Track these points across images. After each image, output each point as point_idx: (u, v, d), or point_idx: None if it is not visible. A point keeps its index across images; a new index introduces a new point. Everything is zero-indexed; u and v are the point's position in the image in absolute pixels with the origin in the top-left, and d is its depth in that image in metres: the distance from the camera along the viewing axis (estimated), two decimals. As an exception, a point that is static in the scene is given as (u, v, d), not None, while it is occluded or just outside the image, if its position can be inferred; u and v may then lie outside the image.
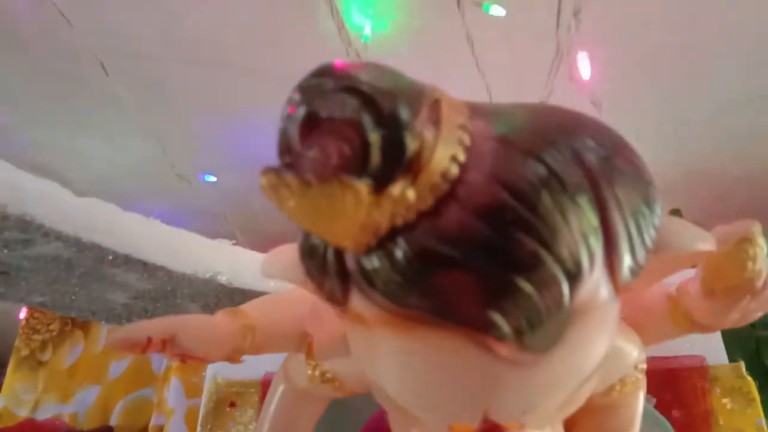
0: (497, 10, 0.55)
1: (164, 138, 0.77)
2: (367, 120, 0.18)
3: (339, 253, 0.21)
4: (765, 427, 0.56)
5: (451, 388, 0.23)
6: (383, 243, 0.19)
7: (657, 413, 0.54)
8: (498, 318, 0.19)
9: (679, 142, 0.78)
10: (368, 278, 0.20)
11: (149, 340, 0.33)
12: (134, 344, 0.32)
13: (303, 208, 0.18)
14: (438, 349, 0.21)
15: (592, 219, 0.20)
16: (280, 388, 0.43)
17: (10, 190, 0.37)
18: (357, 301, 0.22)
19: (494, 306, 0.19)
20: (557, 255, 0.19)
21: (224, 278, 0.46)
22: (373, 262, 0.20)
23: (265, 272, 0.27)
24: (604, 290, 0.21)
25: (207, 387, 0.68)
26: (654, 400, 0.57)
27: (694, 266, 0.31)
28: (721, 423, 0.56)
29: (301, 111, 0.19)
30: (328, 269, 0.22)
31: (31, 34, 0.64)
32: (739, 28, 0.69)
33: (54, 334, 1.06)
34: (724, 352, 0.61)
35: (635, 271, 0.22)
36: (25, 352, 1.04)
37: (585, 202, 0.20)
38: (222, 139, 0.82)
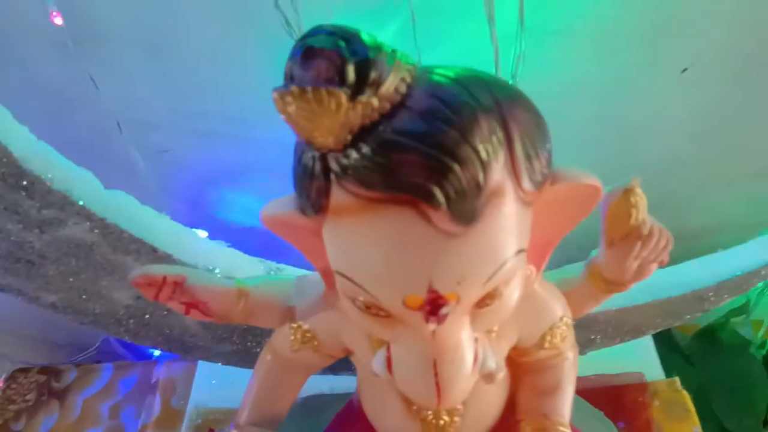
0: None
1: (167, 197, 0.86)
2: (346, 52, 0.28)
3: (323, 160, 0.30)
4: (701, 434, 0.62)
5: (404, 258, 0.29)
6: (355, 140, 0.28)
7: (607, 419, 0.60)
8: (435, 189, 0.27)
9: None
10: (345, 170, 0.28)
11: (164, 279, 0.40)
12: (151, 281, 0.39)
13: (301, 110, 0.27)
14: (394, 223, 0.29)
15: (496, 126, 0.29)
16: (267, 359, 0.48)
17: (56, 169, 0.45)
18: (336, 196, 0.30)
19: (432, 179, 0.27)
20: (472, 144, 0.28)
21: (219, 274, 0.54)
22: (349, 156, 0.28)
23: (265, 212, 0.35)
24: (510, 186, 0.29)
25: (188, 415, 0.72)
26: (601, 413, 0.62)
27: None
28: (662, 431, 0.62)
29: (302, 46, 0.28)
30: (315, 175, 0.30)
31: (62, 100, 0.76)
32: (659, 102, 0.83)
33: (30, 404, 1.06)
34: (661, 369, 0.68)
35: (534, 180, 0.30)
36: (-3, 422, 1.04)
37: (491, 115, 0.29)
38: (216, 200, 0.92)
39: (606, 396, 0.64)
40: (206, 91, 0.78)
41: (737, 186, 0.99)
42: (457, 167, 0.27)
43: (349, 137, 0.27)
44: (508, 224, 0.30)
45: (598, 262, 0.44)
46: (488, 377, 0.37)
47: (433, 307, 0.31)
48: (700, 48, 0.77)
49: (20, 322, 1.16)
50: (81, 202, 0.46)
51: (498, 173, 0.28)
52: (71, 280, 0.52)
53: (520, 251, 0.32)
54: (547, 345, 0.44)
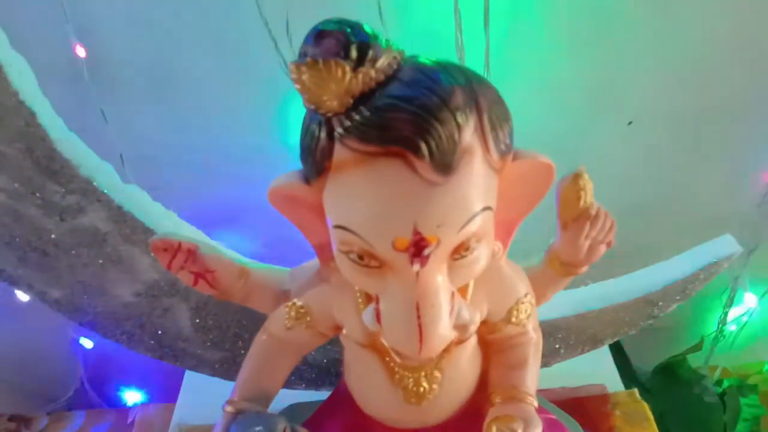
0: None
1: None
2: (351, 35, 0.35)
3: (328, 124, 0.36)
4: (659, 441, 0.66)
5: (393, 203, 0.35)
6: (356, 104, 0.35)
7: (574, 421, 0.64)
8: (420, 142, 0.34)
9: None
10: (347, 129, 0.35)
11: (179, 245, 0.45)
12: (168, 245, 0.45)
13: (312, 77, 0.34)
14: (386, 173, 0.34)
15: (468, 98, 0.36)
16: (262, 338, 0.52)
17: (83, 157, 0.50)
18: (337, 154, 0.36)
19: (418, 134, 0.33)
20: (449, 108, 0.35)
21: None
22: (350, 117, 0.35)
23: (271, 186, 0.41)
24: (479, 149, 0.36)
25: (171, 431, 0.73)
26: (569, 416, 0.66)
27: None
28: (623, 438, 0.66)
29: (315, 31, 0.36)
30: (321, 137, 0.36)
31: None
32: (610, 151, 0.92)
33: (-2, 438, 1.04)
34: (621, 381, 0.73)
35: (499, 149, 0.37)
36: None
37: (465, 89, 0.36)
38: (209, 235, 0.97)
39: (571, 407, 0.68)
40: (206, 129, 0.85)
41: (692, 233, 1.08)
42: (438, 125, 0.33)
43: (351, 102, 0.34)
44: (478, 180, 0.36)
45: (555, 247, 0.50)
46: (463, 329, 0.42)
47: (417, 248, 0.36)
48: (645, 101, 0.89)
49: (-8, 370, 1.15)
50: (102, 188, 0.51)
51: (469, 135, 0.35)
52: (78, 272, 0.56)
53: (487, 208, 0.38)
54: (513, 320, 0.49)
